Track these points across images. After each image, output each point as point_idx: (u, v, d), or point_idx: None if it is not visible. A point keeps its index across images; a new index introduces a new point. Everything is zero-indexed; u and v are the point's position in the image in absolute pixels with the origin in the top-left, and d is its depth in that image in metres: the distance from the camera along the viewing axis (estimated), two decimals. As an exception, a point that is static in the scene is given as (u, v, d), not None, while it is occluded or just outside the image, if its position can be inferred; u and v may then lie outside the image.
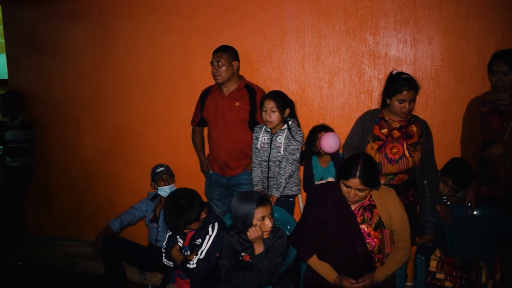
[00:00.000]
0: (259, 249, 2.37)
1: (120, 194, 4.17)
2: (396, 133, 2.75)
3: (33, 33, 4.43)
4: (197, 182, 3.51)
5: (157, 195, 3.48)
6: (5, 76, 4.79)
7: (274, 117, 2.95)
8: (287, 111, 2.99)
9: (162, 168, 3.42)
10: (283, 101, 2.97)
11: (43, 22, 4.36)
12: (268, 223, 2.36)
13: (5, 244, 4.47)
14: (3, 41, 5.85)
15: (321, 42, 3.39)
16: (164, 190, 3.38)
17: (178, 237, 2.68)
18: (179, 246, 2.67)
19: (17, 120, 4.41)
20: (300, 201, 3.34)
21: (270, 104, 2.95)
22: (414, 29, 3.17)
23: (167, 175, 3.40)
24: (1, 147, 5.47)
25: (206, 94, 3.38)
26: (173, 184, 3.42)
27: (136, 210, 3.55)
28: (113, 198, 4.23)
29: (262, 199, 2.36)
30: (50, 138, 4.50)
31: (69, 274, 3.99)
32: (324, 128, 3.15)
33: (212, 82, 3.34)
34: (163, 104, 3.93)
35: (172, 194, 2.59)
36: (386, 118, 2.79)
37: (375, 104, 3.20)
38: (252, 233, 2.33)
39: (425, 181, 2.90)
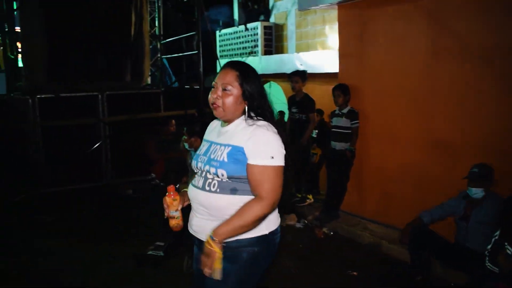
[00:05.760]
0: None
1: (431, 189, 4.18)
2: None
3: (363, 31, 4.88)
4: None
5: (468, 194, 3.43)
6: (335, 70, 5.54)
7: None
8: None
9: (474, 170, 3.36)
10: None
11: (374, 21, 4.76)
12: None
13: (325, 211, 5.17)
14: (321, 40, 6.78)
15: None
16: (471, 191, 3.36)
17: (506, 243, 2.60)
18: (508, 253, 2.59)
19: (345, 109, 4.92)
20: None
21: None
22: None
23: (470, 180, 3.35)
24: (317, 130, 6.28)
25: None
26: (481, 189, 3.32)
27: (446, 206, 3.60)
28: (424, 191, 4.26)
29: None
30: (372, 127, 4.86)
31: (374, 253, 4.36)
32: None
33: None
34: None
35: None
36: None
37: None
38: None
39: None
